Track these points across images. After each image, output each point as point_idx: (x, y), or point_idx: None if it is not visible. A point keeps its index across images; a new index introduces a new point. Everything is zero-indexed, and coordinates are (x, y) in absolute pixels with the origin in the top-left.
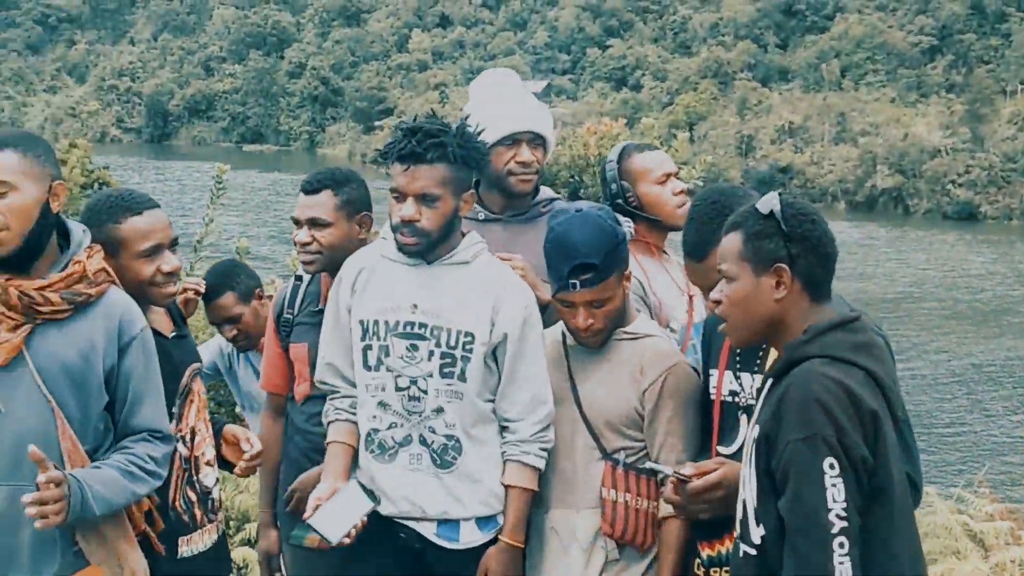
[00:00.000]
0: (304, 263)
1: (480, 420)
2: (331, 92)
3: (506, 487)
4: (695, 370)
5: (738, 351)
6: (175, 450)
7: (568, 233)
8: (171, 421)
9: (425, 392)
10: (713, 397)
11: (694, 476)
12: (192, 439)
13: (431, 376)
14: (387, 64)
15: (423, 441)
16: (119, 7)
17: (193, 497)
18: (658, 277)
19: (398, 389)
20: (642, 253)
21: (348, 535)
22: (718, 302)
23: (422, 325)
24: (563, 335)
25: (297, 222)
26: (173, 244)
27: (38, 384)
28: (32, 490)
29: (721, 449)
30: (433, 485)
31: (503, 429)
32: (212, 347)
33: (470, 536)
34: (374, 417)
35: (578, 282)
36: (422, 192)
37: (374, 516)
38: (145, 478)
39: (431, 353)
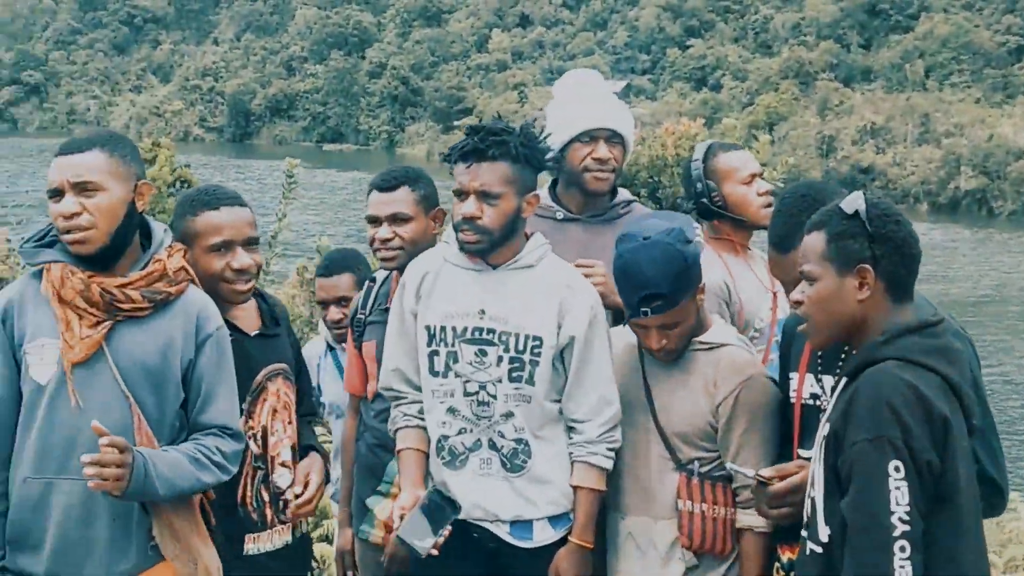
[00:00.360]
0: (384, 260)
1: (548, 421)
2: (411, 92)
3: (574, 488)
4: (773, 380)
5: (819, 353)
6: (246, 447)
7: (636, 263)
8: (243, 418)
9: (494, 397)
10: (793, 400)
11: (775, 478)
12: (264, 437)
13: (500, 381)
14: (467, 64)
15: (492, 446)
16: (203, 8)
17: (266, 497)
18: (743, 276)
19: (466, 394)
20: (727, 251)
21: (435, 545)
22: (799, 303)
23: (490, 331)
24: (639, 340)
25: (375, 220)
26: (249, 243)
27: (117, 380)
28: None
29: (802, 452)
30: (504, 489)
31: (570, 429)
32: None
33: (543, 534)
34: (443, 423)
35: (648, 310)
36: (483, 189)
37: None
38: (212, 468)
39: (500, 359)
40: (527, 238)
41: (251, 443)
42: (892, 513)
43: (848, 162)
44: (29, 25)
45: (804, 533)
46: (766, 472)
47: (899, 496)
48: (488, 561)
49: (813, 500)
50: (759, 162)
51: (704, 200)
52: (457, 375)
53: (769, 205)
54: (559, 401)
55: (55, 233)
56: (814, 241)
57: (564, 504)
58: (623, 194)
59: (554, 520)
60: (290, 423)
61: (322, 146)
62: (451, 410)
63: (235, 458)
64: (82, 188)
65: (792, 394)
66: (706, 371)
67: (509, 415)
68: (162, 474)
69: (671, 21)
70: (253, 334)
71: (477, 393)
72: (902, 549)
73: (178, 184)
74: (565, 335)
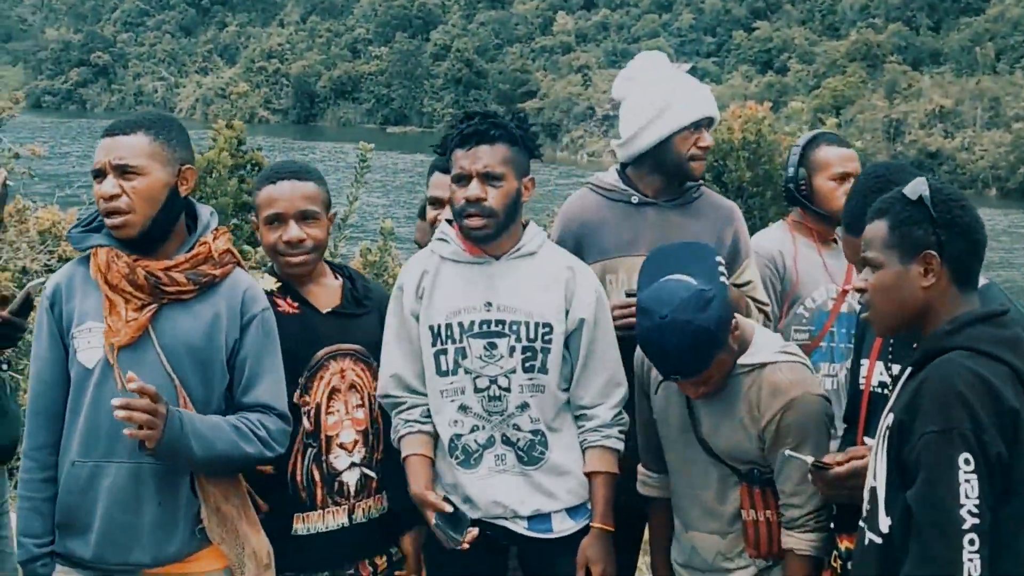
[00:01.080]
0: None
1: (559, 410)
2: (474, 74)
3: (590, 475)
4: (824, 398)
5: (891, 342)
6: (300, 424)
7: (657, 343)
8: (297, 391)
9: (507, 390)
10: (862, 387)
11: (835, 463)
12: (317, 415)
13: (514, 372)
14: (531, 46)
15: (506, 440)
16: None
17: (317, 476)
18: (808, 257)
19: (477, 391)
20: (801, 233)
21: (468, 532)
22: (862, 290)
23: (499, 322)
24: None
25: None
26: (303, 216)
27: (162, 363)
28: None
29: (868, 440)
30: (520, 484)
31: (578, 417)
32: None
33: (562, 525)
34: (455, 422)
35: (679, 376)
36: (487, 171)
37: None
38: (255, 441)
39: (512, 349)
40: (523, 227)
41: (304, 419)
42: (962, 506)
43: (916, 146)
44: (98, 7)
45: (862, 523)
46: (827, 458)
47: (968, 489)
48: (500, 558)
49: (873, 490)
50: None
51: (791, 186)
52: (467, 371)
53: None
54: (566, 390)
55: (102, 218)
56: (877, 228)
57: (582, 494)
58: None
59: (572, 511)
60: (360, 406)
61: (385, 128)
62: (462, 407)
63: (282, 437)
64: (123, 171)
65: (861, 381)
66: (749, 395)
67: (524, 406)
68: (199, 432)
69: (737, 3)
70: (325, 311)
71: (488, 388)
72: (971, 542)
73: (249, 167)
74: (574, 318)
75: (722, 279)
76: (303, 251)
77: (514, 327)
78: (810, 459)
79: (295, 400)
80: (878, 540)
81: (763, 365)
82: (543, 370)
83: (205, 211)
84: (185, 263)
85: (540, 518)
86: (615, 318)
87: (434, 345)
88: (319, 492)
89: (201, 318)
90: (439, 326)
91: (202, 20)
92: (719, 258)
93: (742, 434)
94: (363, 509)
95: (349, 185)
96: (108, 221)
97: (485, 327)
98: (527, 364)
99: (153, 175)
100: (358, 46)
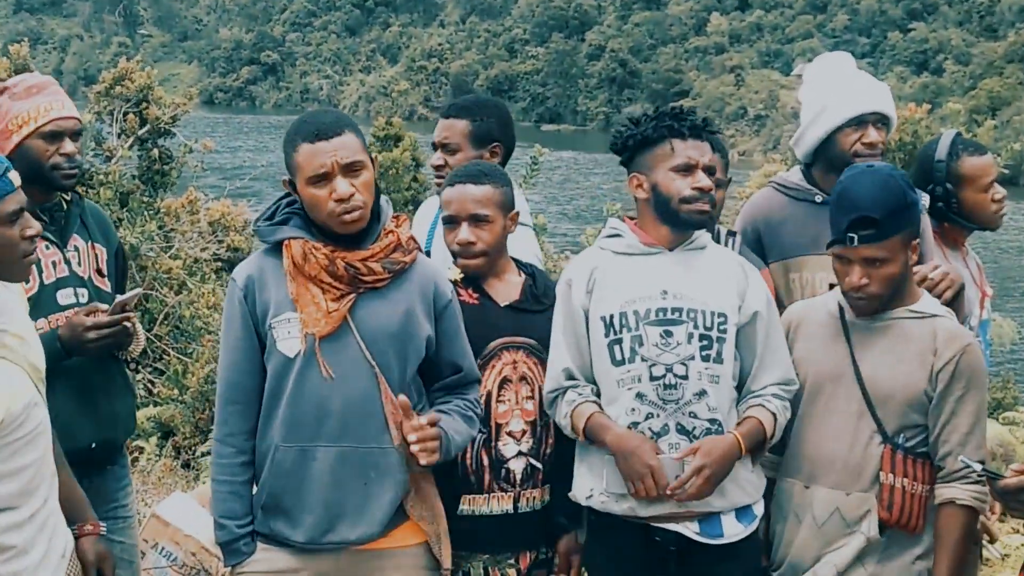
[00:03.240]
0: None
1: (732, 407)
2: (628, 74)
3: (742, 421)
4: None
5: None
6: None
7: (853, 186)
8: None
9: (684, 377)
10: None
11: (1011, 474)
12: (488, 403)
13: (692, 359)
14: (684, 47)
15: (681, 429)
16: None
17: (485, 461)
18: (960, 272)
19: (652, 379)
20: (949, 247)
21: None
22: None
23: (675, 309)
24: (840, 309)
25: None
26: (474, 220)
27: (362, 350)
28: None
29: None
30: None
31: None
32: None
33: (732, 529)
34: (632, 410)
35: (856, 236)
36: (710, 165)
37: (626, 523)
38: (476, 421)
39: (690, 336)
40: None
41: None
42: None
43: None
44: (269, 8)
45: None
46: (1013, 470)
47: None
48: (667, 565)
49: None
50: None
51: (941, 204)
52: (643, 359)
53: (1001, 210)
54: (736, 387)
55: (287, 211)
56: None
57: (752, 493)
58: None
59: (740, 512)
60: (530, 398)
61: (540, 126)
62: (639, 395)
63: (480, 404)
64: (349, 169)
65: None
66: (922, 338)
67: (703, 394)
68: (454, 440)
69: (893, 4)
70: (504, 305)
71: (664, 376)
72: None
73: (415, 165)
74: (747, 311)
75: (924, 204)
76: (473, 254)
77: (691, 314)
78: (979, 466)
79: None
80: None
81: (935, 316)
82: (719, 360)
83: (381, 199)
84: (380, 252)
85: (710, 522)
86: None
87: (608, 335)
88: (487, 476)
89: (396, 304)
90: (612, 315)
91: (366, 20)
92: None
93: (911, 375)
94: (527, 499)
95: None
96: (346, 218)
97: (661, 314)
98: (704, 352)
99: (368, 168)
100: (515, 46)
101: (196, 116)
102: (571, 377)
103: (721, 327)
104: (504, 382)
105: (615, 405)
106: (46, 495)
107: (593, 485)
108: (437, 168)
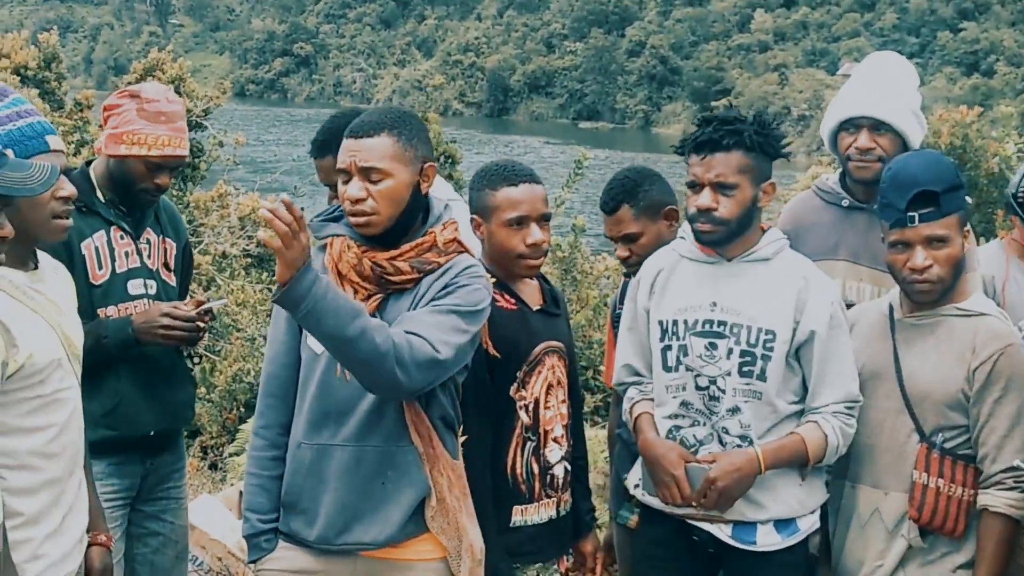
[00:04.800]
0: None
1: (779, 422)
2: (669, 71)
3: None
4: None
5: None
6: (517, 418)
7: (907, 166)
8: (514, 385)
9: (724, 391)
10: None
11: None
12: (535, 409)
13: (729, 375)
14: (727, 44)
15: (721, 441)
16: None
17: (536, 469)
18: (1019, 282)
19: (698, 388)
20: (1017, 255)
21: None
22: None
23: (721, 323)
24: (890, 308)
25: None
26: (543, 218)
27: None
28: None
29: None
30: None
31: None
32: None
33: (768, 539)
34: (676, 416)
35: (917, 215)
36: (718, 180)
37: (667, 518)
38: (390, 348)
39: (730, 351)
40: (763, 232)
41: (522, 413)
42: None
43: None
44: None
45: None
46: None
47: None
48: (708, 564)
49: None
50: None
51: (1016, 200)
52: (688, 368)
53: None
54: (795, 403)
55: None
56: None
57: (795, 508)
58: None
59: (780, 524)
60: (564, 401)
61: (577, 123)
62: (684, 403)
63: (423, 360)
64: (368, 174)
65: None
66: (963, 336)
67: (735, 411)
68: (338, 302)
69: (943, 3)
70: (535, 309)
71: (708, 388)
72: None
73: (442, 159)
74: (804, 330)
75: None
76: (543, 253)
77: (735, 329)
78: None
79: (511, 394)
80: None
81: (982, 314)
82: (761, 377)
83: (439, 205)
84: (410, 251)
85: (744, 528)
86: None
87: (662, 340)
88: (536, 485)
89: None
90: (667, 322)
91: (401, 13)
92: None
93: (949, 373)
94: (565, 502)
95: (552, 183)
96: (352, 220)
97: (708, 326)
98: (744, 369)
99: (397, 176)
100: (553, 41)
101: (227, 108)
102: (634, 373)
103: (767, 344)
104: (549, 387)
105: (663, 408)
106: (65, 469)
107: (642, 476)
108: None
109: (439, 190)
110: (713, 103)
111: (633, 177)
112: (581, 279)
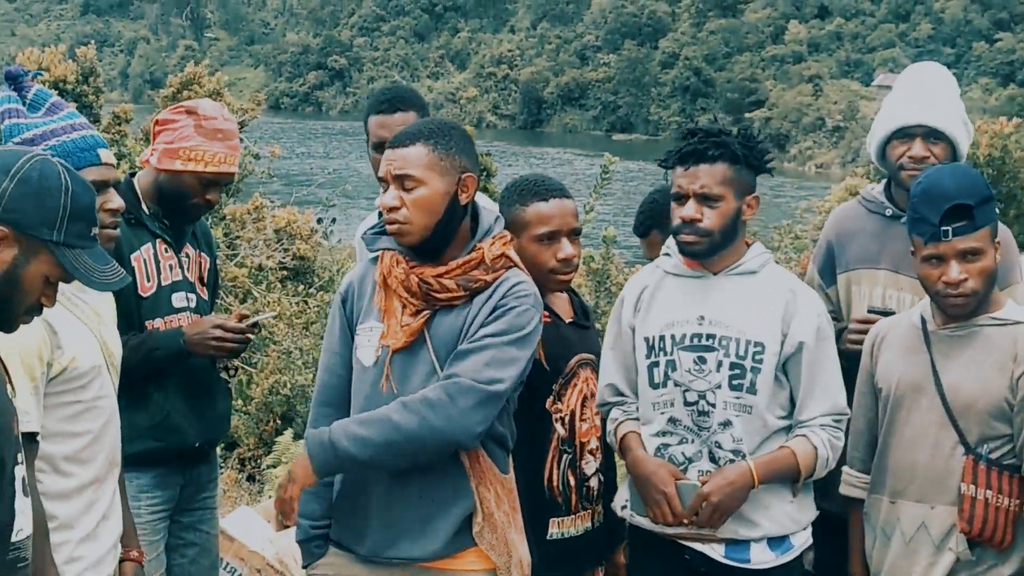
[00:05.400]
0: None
1: (769, 438)
2: (702, 82)
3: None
4: None
5: None
6: (553, 430)
7: (939, 180)
8: (551, 398)
9: (713, 406)
10: None
11: None
12: (571, 422)
13: (719, 388)
14: (761, 55)
15: (712, 457)
16: None
17: (572, 482)
18: None
19: (686, 404)
20: None
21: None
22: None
23: (709, 336)
24: (922, 320)
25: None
26: (573, 233)
27: (435, 367)
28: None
29: None
30: None
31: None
32: None
33: (761, 557)
34: (664, 433)
35: (951, 229)
36: (703, 192)
37: (656, 537)
38: (415, 413)
39: (719, 364)
40: (748, 245)
41: (558, 426)
42: None
43: None
44: (337, 12)
45: None
46: None
47: None
48: None
49: None
50: None
51: None
52: (676, 384)
53: None
54: (783, 417)
55: None
56: None
57: (788, 526)
58: None
59: (774, 543)
60: (597, 414)
61: (611, 135)
62: (672, 420)
63: (462, 398)
64: (402, 182)
65: None
66: (1003, 345)
67: (727, 424)
68: (351, 432)
69: (979, 13)
70: (568, 321)
71: (697, 403)
72: None
73: (485, 176)
74: (792, 341)
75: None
76: (574, 268)
77: (724, 342)
78: None
79: (547, 407)
80: None
81: (1017, 323)
82: (751, 390)
83: (489, 216)
84: (457, 269)
85: (738, 547)
86: (852, 331)
87: (648, 357)
88: (573, 497)
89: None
90: (653, 338)
91: (435, 26)
92: None
93: (991, 383)
94: (599, 513)
95: (584, 195)
96: (388, 228)
97: (696, 340)
98: (734, 382)
99: (431, 186)
100: (587, 53)
101: (262, 121)
102: (617, 393)
103: (756, 357)
104: (585, 400)
105: (649, 426)
106: (99, 475)
107: (628, 497)
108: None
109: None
110: (747, 114)
111: (661, 200)
112: (616, 291)
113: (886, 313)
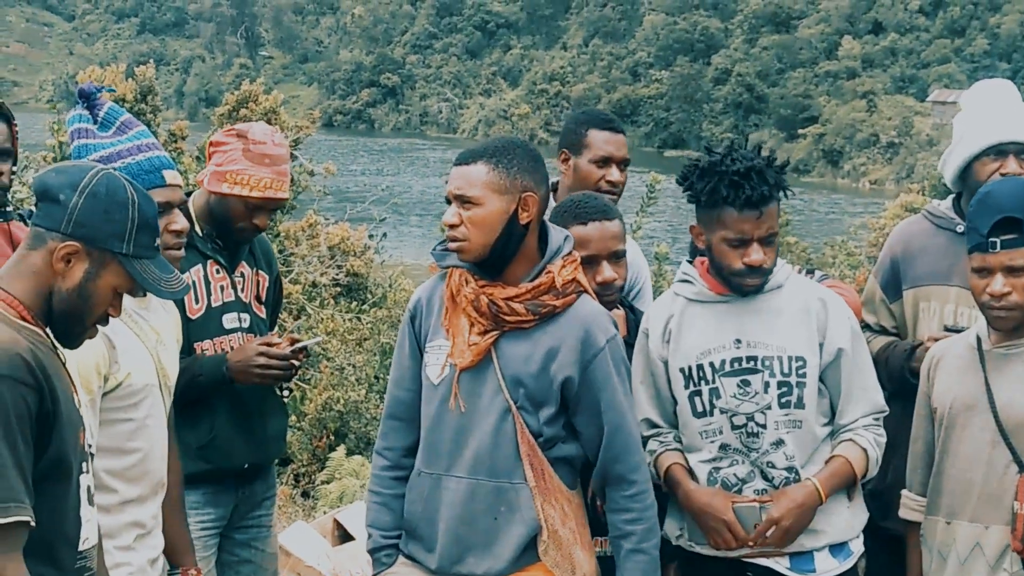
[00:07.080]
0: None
1: (819, 448)
2: (755, 99)
3: (830, 458)
4: None
5: None
6: None
7: (996, 191)
8: None
9: (764, 427)
10: None
11: None
12: None
13: (769, 408)
14: (814, 71)
15: (765, 476)
16: (554, 14)
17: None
18: None
19: (734, 428)
20: None
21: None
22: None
23: (750, 359)
24: (978, 339)
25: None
26: (614, 256)
27: (502, 388)
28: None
29: None
30: None
31: (835, 433)
32: None
33: (826, 565)
34: (714, 458)
35: (999, 241)
36: (768, 234)
37: (720, 561)
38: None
39: (767, 385)
40: None
41: None
42: None
43: None
44: (390, 30)
45: None
46: None
47: None
48: None
49: None
50: None
51: None
52: (722, 411)
53: None
54: (826, 424)
55: None
56: None
57: (846, 531)
58: None
59: (835, 549)
60: None
61: (663, 152)
62: (722, 447)
63: (642, 483)
64: (462, 200)
65: None
66: None
67: (779, 443)
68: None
69: None
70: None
71: (745, 425)
72: None
73: None
74: (830, 349)
75: None
76: (615, 291)
77: (767, 362)
78: None
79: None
80: None
81: None
82: (800, 405)
83: (558, 236)
84: (527, 294)
85: (803, 558)
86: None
87: (687, 387)
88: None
89: (539, 347)
90: (690, 368)
91: (487, 43)
92: None
93: None
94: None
95: (632, 212)
96: (449, 245)
97: (737, 364)
98: (783, 399)
99: (488, 205)
100: (639, 69)
101: (315, 138)
102: (653, 426)
103: (800, 371)
104: None
105: (698, 454)
106: (143, 494)
107: (683, 525)
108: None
109: None
110: (800, 131)
111: None
112: None
113: (962, 331)
